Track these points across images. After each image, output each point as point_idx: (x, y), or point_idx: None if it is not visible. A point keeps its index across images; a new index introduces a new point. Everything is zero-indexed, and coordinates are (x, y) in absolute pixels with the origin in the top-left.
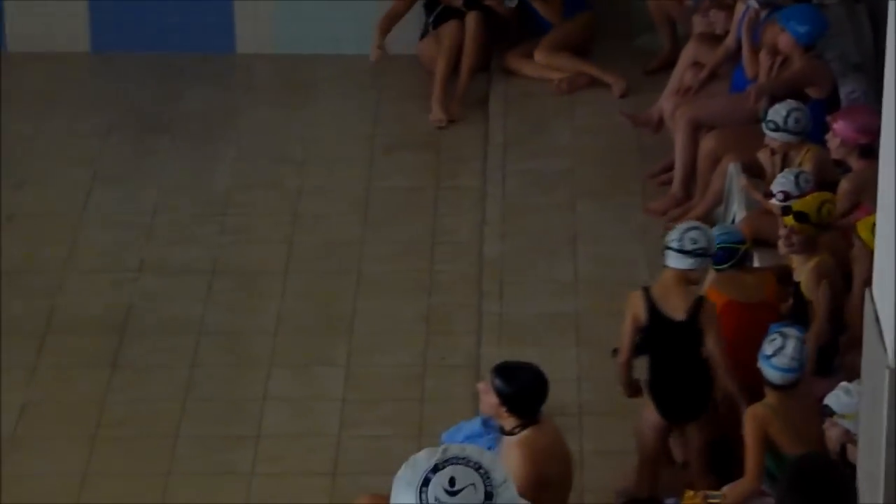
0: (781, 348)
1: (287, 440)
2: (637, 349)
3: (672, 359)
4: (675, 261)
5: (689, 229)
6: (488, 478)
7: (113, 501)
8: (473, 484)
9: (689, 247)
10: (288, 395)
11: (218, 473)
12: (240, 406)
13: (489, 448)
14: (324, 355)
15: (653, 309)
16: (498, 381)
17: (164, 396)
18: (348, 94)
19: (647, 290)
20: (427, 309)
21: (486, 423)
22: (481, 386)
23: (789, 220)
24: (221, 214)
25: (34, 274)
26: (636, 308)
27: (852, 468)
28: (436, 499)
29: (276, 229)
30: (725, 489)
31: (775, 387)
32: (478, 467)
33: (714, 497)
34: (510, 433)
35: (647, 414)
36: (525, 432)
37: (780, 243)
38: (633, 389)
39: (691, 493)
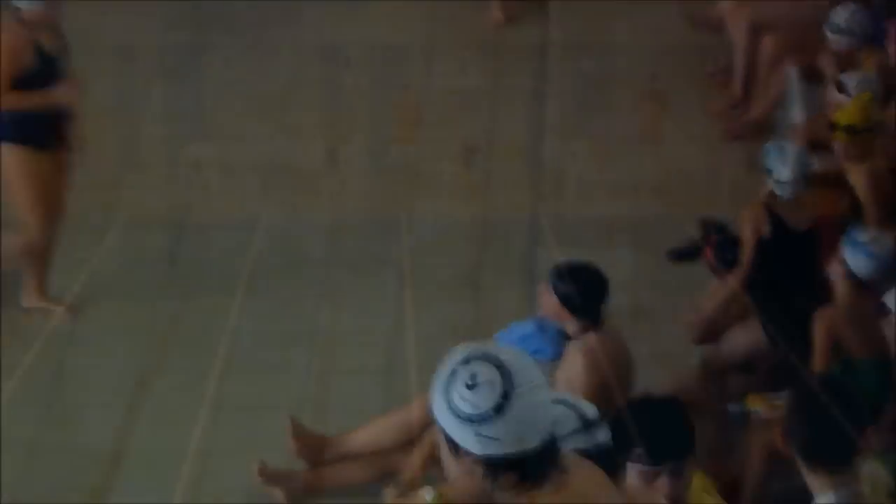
0: (878, 238)
1: (341, 338)
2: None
3: (789, 274)
4: (792, 188)
5: (799, 153)
6: (509, 378)
7: (167, 398)
8: (492, 381)
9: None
10: (343, 294)
11: (272, 370)
12: (295, 303)
13: (539, 350)
14: (379, 256)
15: (776, 220)
16: (559, 282)
17: (220, 292)
18: None
19: (768, 204)
20: (483, 210)
21: (539, 325)
22: (541, 287)
23: (839, 135)
24: (278, 112)
25: (91, 169)
26: (758, 221)
27: None
28: (456, 391)
29: (332, 129)
30: (788, 393)
31: (858, 282)
32: (500, 366)
33: (777, 400)
34: (573, 337)
35: (747, 333)
36: (587, 338)
37: (839, 155)
38: (712, 327)
39: (754, 396)
